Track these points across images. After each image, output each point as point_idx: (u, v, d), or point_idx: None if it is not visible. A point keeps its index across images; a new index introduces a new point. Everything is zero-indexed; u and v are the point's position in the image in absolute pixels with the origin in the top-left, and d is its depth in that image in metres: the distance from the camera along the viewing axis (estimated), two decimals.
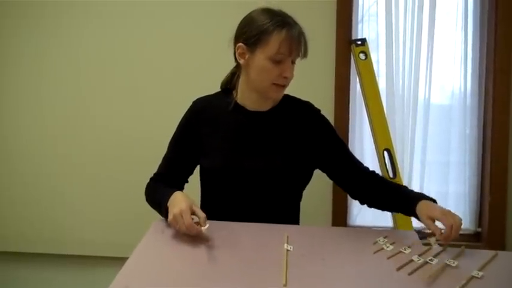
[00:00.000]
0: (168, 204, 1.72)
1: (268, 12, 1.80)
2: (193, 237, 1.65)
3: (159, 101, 2.95)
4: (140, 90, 2.96)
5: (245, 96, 1.91)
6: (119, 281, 1.36)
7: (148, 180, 2.03)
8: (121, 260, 1.48)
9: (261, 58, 1.77)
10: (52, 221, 3.06)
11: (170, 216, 1.64)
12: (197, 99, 1.99)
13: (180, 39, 2.91)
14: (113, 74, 2.96)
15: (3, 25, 2.98)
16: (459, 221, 1.62)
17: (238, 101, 1.93)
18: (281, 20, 1.76)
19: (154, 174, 2.02)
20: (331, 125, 2.00)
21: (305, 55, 1.80)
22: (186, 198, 1.69)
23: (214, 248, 1.59)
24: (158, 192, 1.87)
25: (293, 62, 1.80)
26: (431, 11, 2.84)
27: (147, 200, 1.98)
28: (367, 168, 1.98)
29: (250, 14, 1.83)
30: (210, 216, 1.72)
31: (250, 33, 1.78)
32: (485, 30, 2.85)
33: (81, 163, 3.02)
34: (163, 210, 1.76)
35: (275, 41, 1.73)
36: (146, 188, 2.01)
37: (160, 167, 2.01)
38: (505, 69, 2.77)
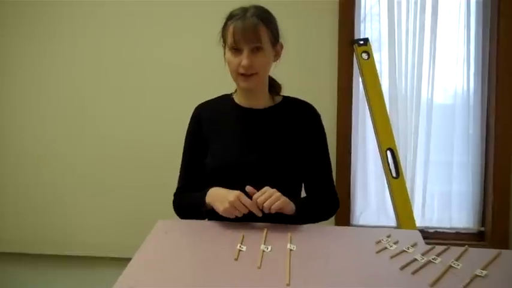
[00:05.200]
0: (209, 199, 1.80)
1: (238, 7, 1.84)
2: (196, 237, 1.66)
3: (161, 103, 2.96)
4: (143, 91, 2.97)
5: (239, 94, 1.97)
6: (122, 282, 1.35)
7: (172, 197, 2.04)
8: (124, 261, 1.48)
9: (226, 51, 1.85)
10: (55, 222, 3.07)
11: (225, 205, 1.69)
12: (198, 104, 2.04)
13: (181, 40, 2.93)
14: (114, 74, 2.97)
15: (3, 25, 2.99)
16: (273, 193, 1.71)
17: (235, 100, 1.98)
18: (234, 13, 1.81)
19: (177, 189, 2.04)
20: (323, 133, 2.00)
21: (258, 42, 1.78)
22: (229, 191, 1.75)
23: (217, 247, 1.59)
24: (191, 197, 1.92)
25: (256, 51, 1.79)
26: (433, 10, 2.85)
27: (179, 211, 2.00)
28: (328, 192, 2.00)
29: None
30: (215, 215, 1.77)
31: (222, 27, 1.87)
32: (488, 29, 2.85)
33: (84, 165, 3.03)
34: (203, 208, 1.82)
35: (228, 32, 1.80)
36: (174, 202, 2.03)
37: (180, 180, 2.04)
38: (508, 68, 2.77)
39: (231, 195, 1.70)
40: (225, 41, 1.85)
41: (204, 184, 1.98)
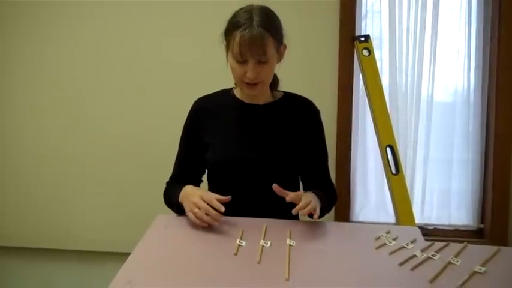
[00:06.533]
0: (181, 198, 1.81)
1: (243, 9, 1.78)
2: (195, 231, 1.67)
3: (160, 100, 2.96)
4: (141, 89, 2.97)
5: (239, 90, 1.95)
6: (121, 276, 1.36)
7: (164, 185, 2.05)
8: (124, 255, 1.48)
9: (230, 56, 1.80)
10: (55, 217, 3.08)
11: (190, 205, 1.71)
12: (198, 98, 2.02)
13: (180, 38, 2.93)
14: (114, 74, 2.97)
15: (3, 25, 2.99)
16: (309, 201, 1.68)
17: (236, 96, 1.97)
18: (240, 22, 1.74)
19: (169, 177, 2.05)
20: (322, 129, 2.01)
21: (264, 55, 1.74)
22: (195, 190, 1.77)
23: (216, 242, 1.59)
24: (171, 192, 1.93)
25: (262, 62, 1.75)
26: (434, 7, 2.84)
27: (166, 202, 1.99)
28: (328, 186, 2.02)
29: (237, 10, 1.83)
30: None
31: (225, 30, 1.81)
32: (488, 26, 2.85)
33: (84, 160, 3.04)
34: (175, 208, 1.84)
35: (234, 42, 1.74)
36: (164, 193, 2.02)
37: (174, 169, 2.05)
38: (509, 65, 2.76)
39: (195, 195, 1.71)
40: (228, 45, 1.79)
41: (198, 176, 2.03)
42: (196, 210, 1.67)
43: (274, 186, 1.70)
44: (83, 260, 3.11)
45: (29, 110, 3.04)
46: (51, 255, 3.13)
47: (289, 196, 1.68)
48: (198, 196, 1.70)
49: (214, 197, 1.69)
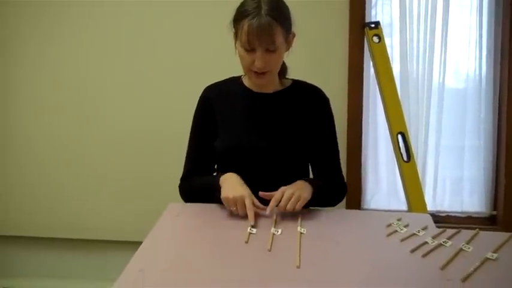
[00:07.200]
0: (221, 181, 1.79)
1: None
2: (207, 220, 1.68)
3: (164, 97, 2.97)
4: (141, 84, 2.98)
5: (248, 78, 1.94)
6: (133, 264, 1.37)
7: (178, 182, 2.03)
8: (136, 244, 1.49)
9: (238, 44, 1.79)
10: (70, 207, 3.11)
11: (229, 195, 1.69)
12: (207, 86, 2.01)
13: (183, 36, 2.93)
14: (116, 72, 2.98)
15: (4, 25, 3.00)
16: (292, 193, 1.69)
17: (245, 83, 1.97)
18: (248, 10, 1.72)
19: (184, 173, 2.02)
20: (331, 116, 1.99)
21: (272, 44, 1.73)
22: (242, 182, 1.76)
23: (228, 230, 1.60)
24: (204, 179, 1.92)
25: (271, 50, 1.75)
26: None
27: (188, 196, 1.98)
28: (335, 177, 2.01)
29: None
30: None
31: (233, 19, 1.80)
32: (500, 12, 2.81)
33: (89, 160, 3.07)
34: (217, 190, 1.78)
35: (242, 31, 1.73)
36: (181, 187, 2.01)
37: (187, 164, 2.02)
38: None
39: (240, 190, 1.70)
40: (236, 33, 1.79)
41: (213, 167, 2.01)
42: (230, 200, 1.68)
43: (260, 193, 1.71)
44: (96, 250, 3.13)
45: (33, 109, 3.06)
46: (65, 245, 3.15)
47: (271, 204, 1.68)
48: (240, 195, 1.67)
49: (252, 206, 1.67)
